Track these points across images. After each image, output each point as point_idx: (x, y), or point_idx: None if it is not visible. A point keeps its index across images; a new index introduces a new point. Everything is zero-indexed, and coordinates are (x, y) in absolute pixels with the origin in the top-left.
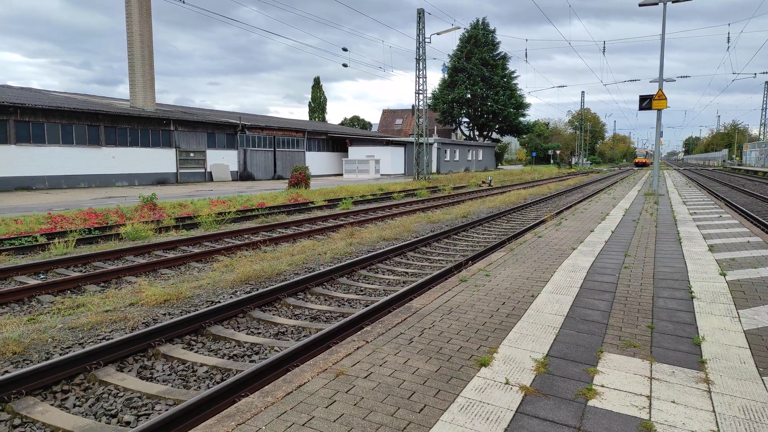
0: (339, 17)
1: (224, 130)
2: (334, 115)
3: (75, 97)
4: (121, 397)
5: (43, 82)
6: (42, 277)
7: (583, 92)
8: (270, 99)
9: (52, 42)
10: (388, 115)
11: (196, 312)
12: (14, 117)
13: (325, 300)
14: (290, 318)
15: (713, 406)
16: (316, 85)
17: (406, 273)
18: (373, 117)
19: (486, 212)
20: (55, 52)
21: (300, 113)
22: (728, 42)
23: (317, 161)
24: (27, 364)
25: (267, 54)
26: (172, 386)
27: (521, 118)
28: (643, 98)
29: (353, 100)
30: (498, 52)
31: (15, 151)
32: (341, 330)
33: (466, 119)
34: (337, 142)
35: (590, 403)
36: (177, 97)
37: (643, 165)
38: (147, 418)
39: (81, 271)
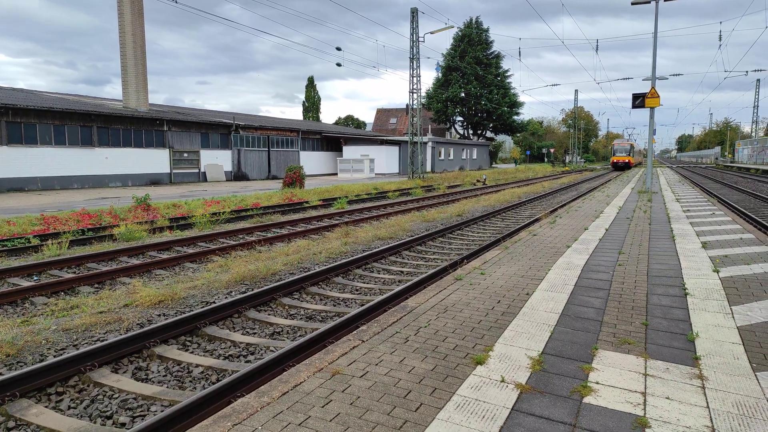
0: (326, 15)
1: (218, 130)
2: (326, 115)
3: (67, 97)
4: (116, 398)
5: (29, 82)
6: (35, 278)
7: (576, 91)
8: (260, 98)
9: (34, 41)
10: (383, 114)
11: (191, 312)
12: (6, 118)
13: (321, 300)
14: (286, 318)
15: (707, 402)
16: (310, 85)
17: (402, 272)
18: (365, 116)
19: (481, 211)
20: (39, 51)
21: (291, 112)
22: (720, 40)
23: (312, 161)
24: (21, 366)
25: (254, 53)
26: (167, 387)
27: (515, 117)
28: (636, 96)
29: (344, 99)
30: (492, 51)
31: (7, 152)
32: (337, 329)
33: (460, 118)
34: (332, 141)
35: (585, 400)
36: (167, 96)
37: (625, 166)
38: (142, 419)
39: (75, 272)
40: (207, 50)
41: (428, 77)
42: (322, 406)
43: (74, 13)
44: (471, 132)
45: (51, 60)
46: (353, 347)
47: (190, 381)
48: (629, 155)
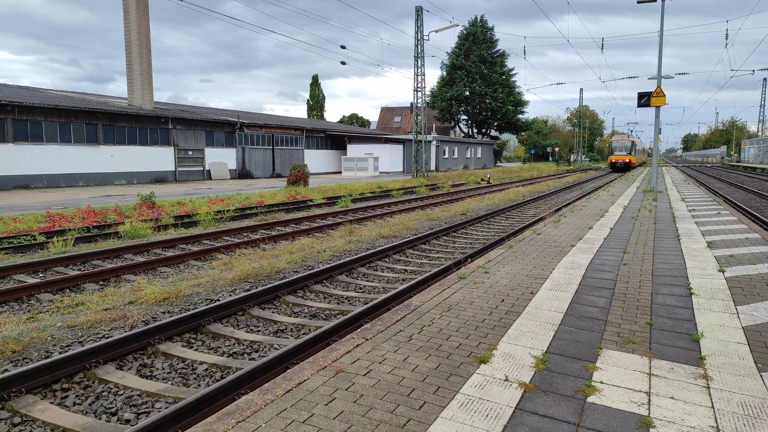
0: (329, 13)
1: (223, 128)
2: (330, 113)
3: (72, 95)
4: (121, 395)
5: (33, 79)
6: (41, 275)
7: (581, 89)
8: (264, 97)
9: (37, 39)
10: (387, 112)
11: (196, 310)
12: (12, 115)
13: (325, 298)
14: (290, 316)
15: (712, 402)
16: (315, 83)
17: (406, 270)
18: (369, 114)
19: (485, 209)
20: (42, 49)
21: (295, 111)
22: (726, 38)
23: (316, 159)
24: (27, 362)
25: (257, 51)
26: (171, 384)
27: (520, 116)
28: (641, 95)
29: (348, 97)
30: (496, 49)
31: (13, 149)
32: (341, 327)
33: (465, 117)
34: (336, 140)
35: (589, 399)
36: (170, 94)
37: (626, 167)
38: (147, 416)
39: (80, 269)
40: (209, 48)
41: (433, 76)
42: (326, 404)
43: (75, 10)
44: (475, 131)
45: (55, 58)
46: (357, 345)
47: (195, 378)
48: (630, 154)
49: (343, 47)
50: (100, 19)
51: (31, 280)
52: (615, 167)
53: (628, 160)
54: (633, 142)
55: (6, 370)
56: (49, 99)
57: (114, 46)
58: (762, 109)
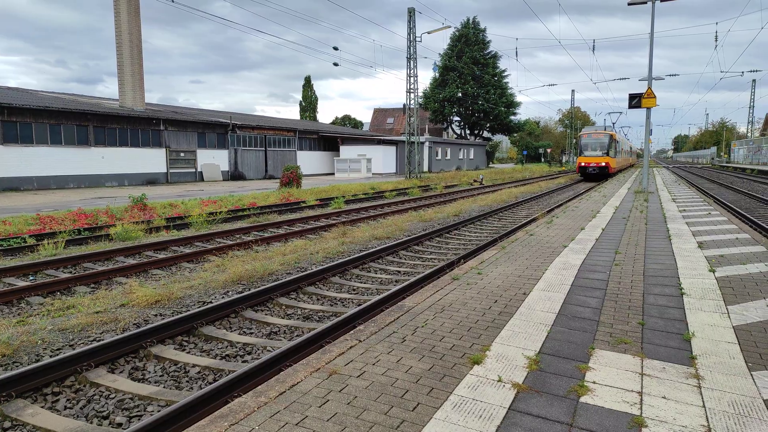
0: (319, 13)
1: (215, 129)
2: (323, 114)
3: (63, 96)
4: (113, 398)
5: (21, 80)
6: (31, 278)
7: (573, 91)
8: (255, 98)
9: (23, 39)
10: (380, 114)
11: (188, 312)
12: (1, 117)
13: (318, 299)
14: (283, 318)
15: (703, 401)
16: (307, 84)
17: (399, 272)
18: (361, 115)
19: (478, 211)
20: (29, 50)
21: (286, 112)
22: (716, 40)
23: (309, 160)
24: (17, 366)
25: (246, 52)
26: (164, 387)
27: (512, 117)
28: (632, 96)
29: (339, 98)
30: (489, 51)
31: (2, 151)
32: (334, 329)
33: (457, 118)
34: (329, 141)
35: (582, 399)
36: (160, 95)
37: (602, 174)
38: (139, 419)
39: (71, 272)
40: (198, 49)
41: (425, 77)
42: (319, 406)
43: (63, 10)
44: (468, 132)
45: (42, 58)
46: (350, 347)
47: (187, 381)
48: (607, 154)
49: (335, 48)
50: (88, 19)
51: (21, 283)
52: (585, 173)
53: (604, 164)
54: (612, 136)
55: None
56: (39, 100)
57: (102, 46)
58: (751, 111)
